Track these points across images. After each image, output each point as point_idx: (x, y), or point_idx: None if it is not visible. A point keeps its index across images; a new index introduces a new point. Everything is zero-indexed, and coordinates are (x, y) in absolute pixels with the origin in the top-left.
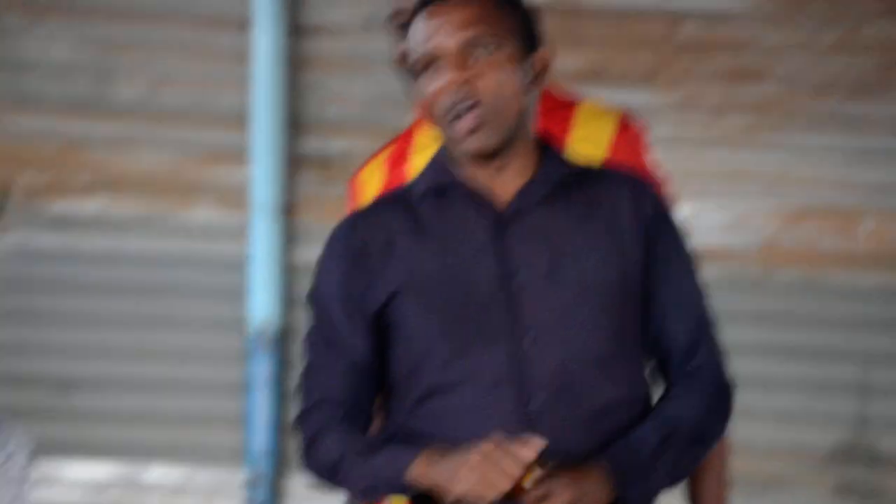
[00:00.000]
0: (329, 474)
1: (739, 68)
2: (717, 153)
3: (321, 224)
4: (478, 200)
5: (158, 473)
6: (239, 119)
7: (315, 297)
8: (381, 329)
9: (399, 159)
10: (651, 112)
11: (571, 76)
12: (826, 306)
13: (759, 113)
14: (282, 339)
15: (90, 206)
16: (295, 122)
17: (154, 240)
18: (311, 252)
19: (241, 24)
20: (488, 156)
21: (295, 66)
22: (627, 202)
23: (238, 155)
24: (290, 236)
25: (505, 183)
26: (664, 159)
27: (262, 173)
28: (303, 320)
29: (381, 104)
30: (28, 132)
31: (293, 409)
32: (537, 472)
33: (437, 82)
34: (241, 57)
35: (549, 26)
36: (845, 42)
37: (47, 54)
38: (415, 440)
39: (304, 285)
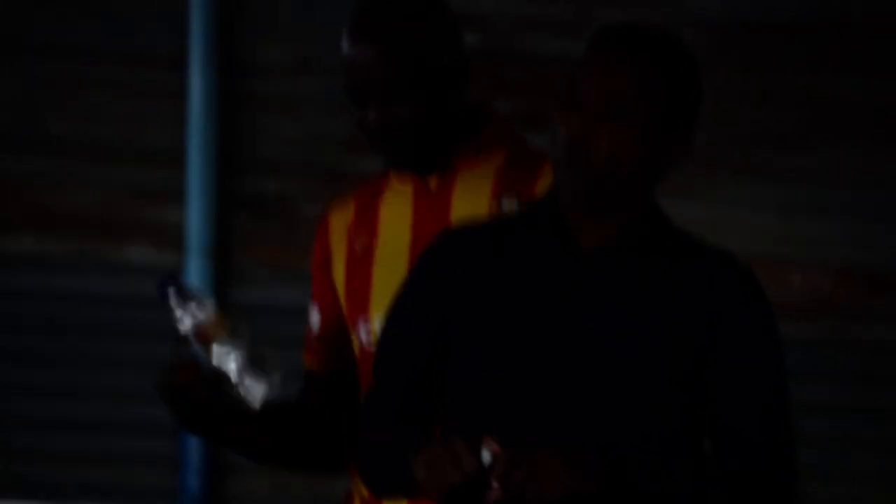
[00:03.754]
0: (359, 466)
1: None
2: None
3: (255, 264)
4: (563, 241)
5: None
6: (174, 158)
7: (395, 300)
8: (445, 344)
9: (370, 203)
10: None
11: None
12: None
13: (691, 164)
14: None
15: (23, 242)
16: (229, 162)
17: (86, 279)
18: (244, 292)
19: (176, 63)
20: (586, 210)
21: (230, 105)
22: (705, 286)
23: (173, 194)
24: (224, 276)
25: (594, 231)
26: None
27: (196, 213)
28: None
29: (314, 145)
30: None
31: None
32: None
33: (567, 123)
34: (176, 95)
35: None
36: (773, 92)
37: None
38: None
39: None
